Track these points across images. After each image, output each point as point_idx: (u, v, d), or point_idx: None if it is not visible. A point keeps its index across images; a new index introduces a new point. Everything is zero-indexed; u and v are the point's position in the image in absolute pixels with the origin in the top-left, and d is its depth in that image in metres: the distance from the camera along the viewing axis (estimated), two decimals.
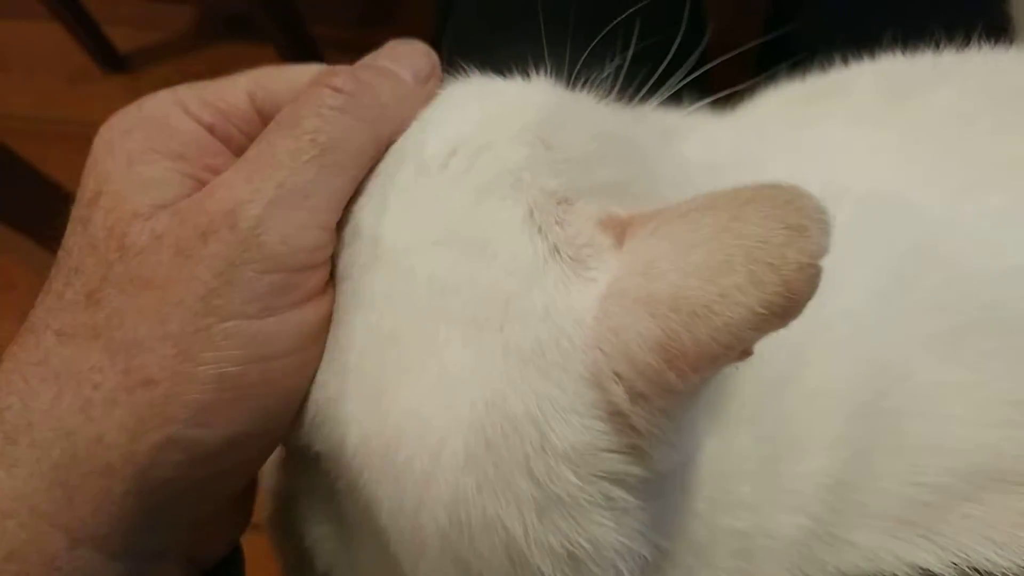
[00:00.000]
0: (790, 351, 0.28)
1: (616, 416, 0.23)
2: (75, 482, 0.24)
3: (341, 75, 0.28)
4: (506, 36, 0.54)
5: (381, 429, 0.25)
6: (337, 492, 0.27)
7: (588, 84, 0.31)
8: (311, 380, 0.27)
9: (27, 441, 0.24)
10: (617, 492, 0.23)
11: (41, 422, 0.24)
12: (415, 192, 0.27)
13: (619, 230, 0.25)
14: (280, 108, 0.28)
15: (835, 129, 0.36)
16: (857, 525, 0.27)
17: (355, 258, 0.27)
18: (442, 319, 0.25)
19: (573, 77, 0.31)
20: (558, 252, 0.25)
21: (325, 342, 0.27)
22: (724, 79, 0.41)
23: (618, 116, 0.31)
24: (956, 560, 0.26)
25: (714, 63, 0.39)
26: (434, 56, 0.32)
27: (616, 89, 0.32)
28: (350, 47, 1.37)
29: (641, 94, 0.33)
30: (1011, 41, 0.39)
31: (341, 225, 0.28)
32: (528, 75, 0.30)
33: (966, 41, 0.38)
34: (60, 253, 0.27)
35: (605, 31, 0.36)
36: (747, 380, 0.28)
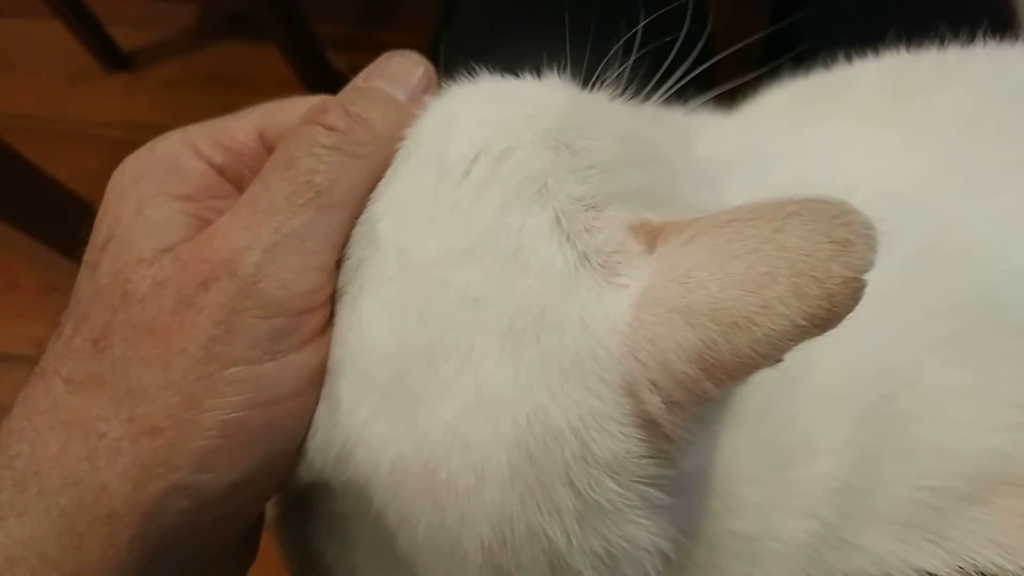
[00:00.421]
0: (797, 355, 0.27)
1: (651, 424, 0.23)
2: (82, 529, 0.24)
3: (333, 111, 0.28)
4: (508, 34, 0.53)
5: (419, 449, 0.24)
6: (358, 516, 0.27)
7: (598, 82, 0.30)
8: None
9: (36, 489, 0.24)
10: (652, 493, 0.24)
11: (49, 470, 0.24)
12: (438, 201, 0.26)
13: (651, 236, 0.25)
14: None
15: (839, 128, 0.36)
16: (865, 529, 0.27)
17: (378, 270, 0.27)
18: (477, 333, 0.24)
19: (582, 75, 0.31)
20: (588, 260, 0.25)
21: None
22: (727, 75, 0.40)
23: (637, 116, 0.31)
24: (962, 564, 0.26)
25: (718, 57, 0.39)
26: (428, 67, 0.31)
27: (625, 87, 0.31)
28: (352, 45, 1.37)
29: (647, 91, 0.32)
30: (1017, 37, 0.39)
31: (354, 235, 0.28)
32: (539, 74, 0.30)
33: (971, 37, 0.38)
34: (72, 298, 0.28)
35: (608, 28, 0.36)
36: (755, 383, 0.27)
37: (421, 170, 0.27)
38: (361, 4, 1.38)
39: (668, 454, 0.23)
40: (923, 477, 0.27)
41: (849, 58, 0.39)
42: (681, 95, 0.35)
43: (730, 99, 0.40)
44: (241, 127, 0.31)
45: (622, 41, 0.33)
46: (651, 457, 0.23)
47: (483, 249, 0.25)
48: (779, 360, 0.22)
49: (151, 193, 0.28)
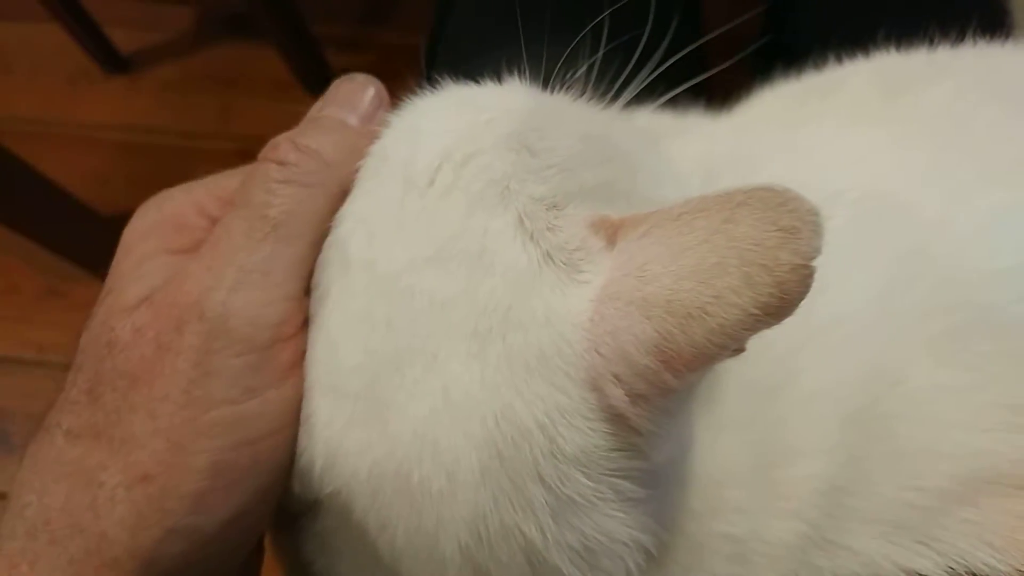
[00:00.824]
0: (783, 355, 0.28)
1: (617, 417, 0.23)
2: (90, 574, 0.25)
3: (282, 145, 0.29)
4: (505, 35, 0.53)
5: (391, 454, 0.24)
6: (342, 525, 0.27)
7: (568, 83, 0.31)
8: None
9: (47, 538, 0.25)
10: (625, 485, 0.24)
11: (57, 519, 0.25)
12: (404, 211, 0.27)
13: (610, 232, 0.25)
14: None
15: (830, 128, 0.36)
16: (853, 530, 0.27)
17: (347, 287, 0.27)
18: (443, 336, 0.25)
19: (565, 75, 0.31)
20: (551, 258, 0.25)
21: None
22: (720, 76, 0.41)
23: (598, 116, 0.31)
24: (953, 565, 0.26)
25: (715, 64, 0.39)
26: (377, 87, 0.32)
27: (601, 86, 0.32)
28: (351, 46, 1.37)
29: (627, 91, 0.32)
30: (1008, 35, 0.39)
31: (325, 259, 0.28)
32: (500, 79, 0.30)
33: (961, 36, 0.38)
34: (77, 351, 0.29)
35: (592, 28, 0.36)
36: (739, 385, 0.28)
37: (387, 184, 0.28)
38: (360, 4, 1.38)
39: (637, 446, 0.24)
40: (912, 478, 0.27)
41: (840, 59, 0.39)
42: (675, 97, 0.35)
43: (722, 101, 0.40)
44: (238, 181, 0.31)
45: (619, 43, 0.33)
46: (620, 450, 0.23)
47: (448, 253, 0.25)
48: (739, 350, 0.22)
49: (153, 251, 0.29)
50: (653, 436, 0.23)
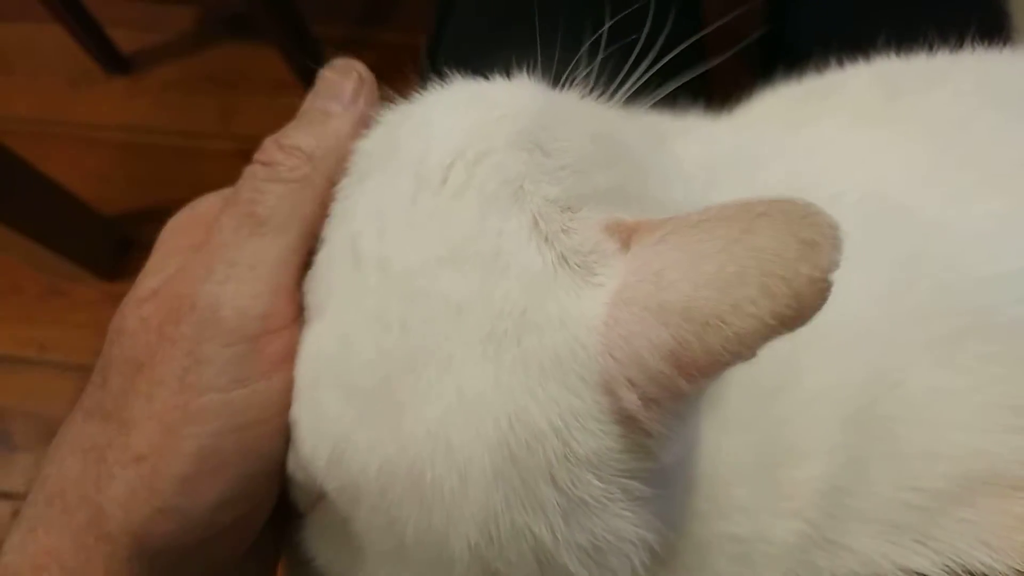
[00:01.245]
0: (786, 356, 0.28)
1: (629, 419, 0.23)
2: (90, 544, 0.27)
3: (267, 147, 0.30)
4: (506, 34, 0.53)
5: (404, 453, 0.24)
6: (348, 520, 0.27)
7: (577, 81, 0.31)
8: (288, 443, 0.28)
9: (60, 506, 0.27)
10: (634, 485, 0.24)
11: (70, 491, 0.27)
12: (417, 210, 0.27)
13: (625, 235, 0.25)
14: None
15: (831, 131, 0.36)
16: (853, 530, 0.27)
17: (359, 283, 0.27)
18: (458, 337, 0.25)
19: (568, 74, 0.31)
20: (566, 260, 0.25)
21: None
22: (722, 77, 0.41)
23: (606, 114, 0.31)
24: (950, 564, 0.26)
25: (712, 64, 0.39)
26: (361, 70, 0.33)
27: (607, 85, 0.32)
28: (351, 45, 1.37)
29: (630, 88, 0.32)
30: (1007, 39, 0.39)
31: (334, 251, 0.29)
32: (508, 74, 0.30)
33: (961, 41, 0.38)
34: None
35: (596, 27, 0.36)
36: (743, 385, 0.28)
37: (399, 179, 0.28)
38: (361, 4, 1.38)
39: (647, 448, 0.24)
40: (910, 478, 0.27)
41: (840, 62, 0.39)
42: (675, 96, 0.35)
43: (723, 102, 0.40)
44: None
45: (618, 38, 0.33)
46: (630, 452, 0.24)
47: (463, 254, 0.25)
48: (752, 356, 0.22)
49: (181, 246, 0.31)
50: (663, 438, 0.24)
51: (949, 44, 0.38)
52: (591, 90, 0.31)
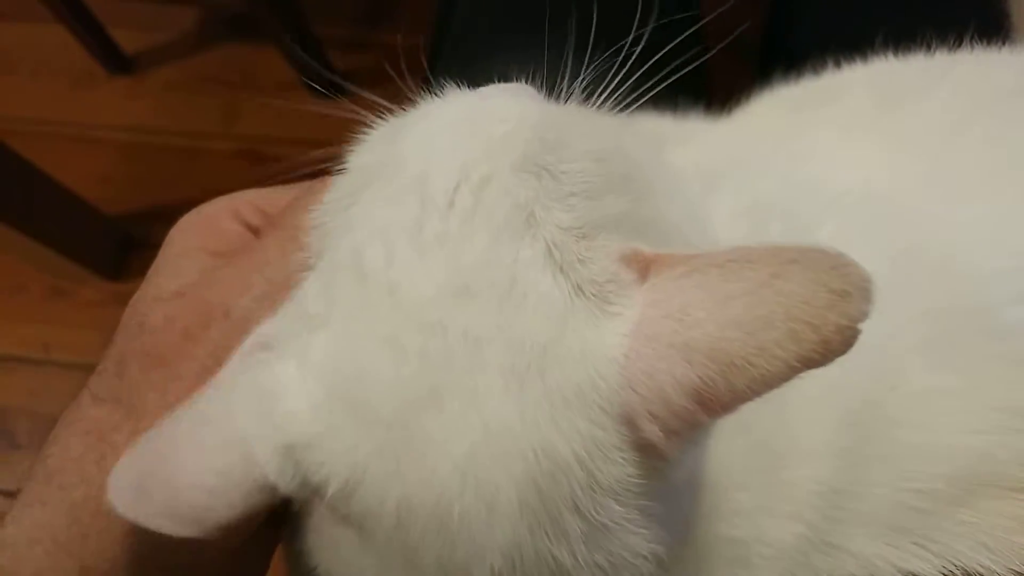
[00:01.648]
0: None
1: (648, 447, 0.23)
2: (86, 520, 0.28)
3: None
4: (506, 36, 0.54)
5: (429, 488, 0.24)
6: (362, 541, 0.27)
7: (576, 88, 0.31)
8: None
9: (58, 483, 0.29)
10: (648, 505, 0.24)
11: (70, 469, 0.29)
12: (424, 234, 0.26)
13: (642, 266, 0.25)
14: None
15: (828, 134, 0.36)
16: (851, 533, 0.27)
17: (368, 306, 0.26)
18: (480, 372, 0.24)
19: (567, 79, 0.31)
20: (582, 291, 0.25)
21: None
22: (722, 78, 0.41)
23: (605, 125, 0.31)
24: (949, 566, 0.26)
25: (714, 50, 0.39)
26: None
27: (607, 92, 0.32)
28: (353, 46, 1.36)
29: (635, 94, 0.32)
30: (1007, 39, 0.39)
31: (334, 261, 0.28)
32: (508, 81, 0.30)
33: (959, 40, 0.38)
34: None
35: (603, 36, 0.36)
36: None
37: (403, 197, 0.27)
38: (362, 4, 1.38)
39: (662, 470, 0.24)
40: (908, 480, 0.27)
41: (838, 63, 0.39)
42: (675, 98, 0.35)
43: (723, 104, 0.40)
44: (283, 197, 0.35)
45: (617, 48, 0.33)
46: (648, 476, 0.24)
47: (478, 285, 0.25)
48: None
49: (191, 247, 0.33)
50: (678, 462, 0.24)
51: (948, 44, 0.38)
52: (590, 95, 0.31)
